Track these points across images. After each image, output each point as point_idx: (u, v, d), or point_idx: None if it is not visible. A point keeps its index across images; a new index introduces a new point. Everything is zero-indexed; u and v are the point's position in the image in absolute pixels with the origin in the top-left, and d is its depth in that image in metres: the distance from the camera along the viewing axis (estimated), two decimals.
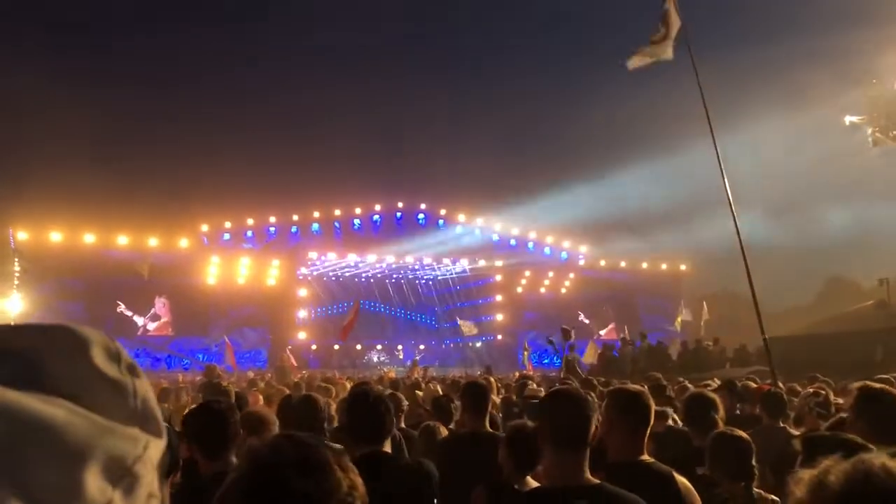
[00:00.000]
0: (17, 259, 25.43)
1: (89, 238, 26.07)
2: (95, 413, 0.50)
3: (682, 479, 3.17)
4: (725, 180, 9.54)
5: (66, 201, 24.92)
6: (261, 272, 29.56)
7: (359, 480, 1.22)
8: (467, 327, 28.04)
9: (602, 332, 32.66)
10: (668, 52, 10.66)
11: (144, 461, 0.53)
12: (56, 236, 25.60)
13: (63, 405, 0.48)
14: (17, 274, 25.41)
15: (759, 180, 26.75)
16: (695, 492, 3.15)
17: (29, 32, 35.12)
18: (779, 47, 27.06)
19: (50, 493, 0.45)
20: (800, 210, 28.57)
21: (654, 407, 3.30)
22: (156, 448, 0.54)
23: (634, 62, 11.05)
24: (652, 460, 3.23)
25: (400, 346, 35.21)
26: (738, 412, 6.60)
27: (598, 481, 2.75)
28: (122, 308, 26.83)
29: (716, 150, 9.66)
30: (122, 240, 26.62)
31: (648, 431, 3.26)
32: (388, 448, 3.73)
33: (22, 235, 25.33)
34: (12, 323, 0.50)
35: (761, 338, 9.34)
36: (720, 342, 20.77)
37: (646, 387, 4.60)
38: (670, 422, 5.44)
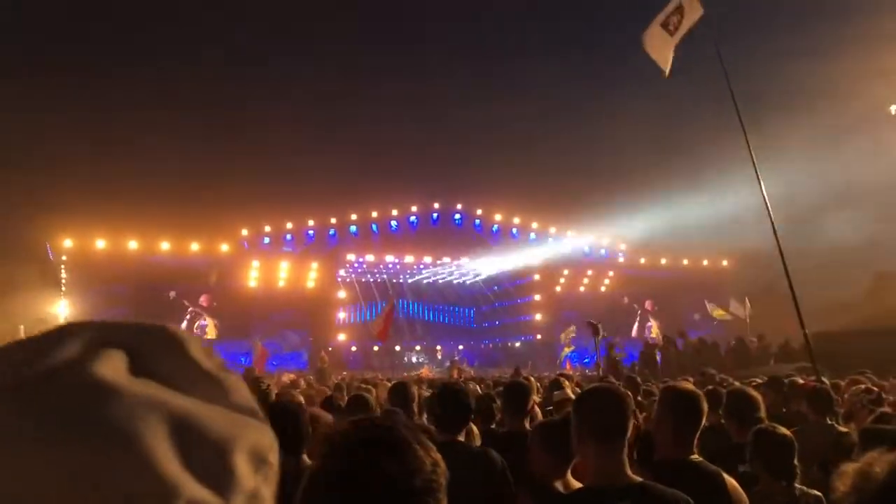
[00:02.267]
0: (63, 266, 26.05)
1: (133, 245, 26.61)
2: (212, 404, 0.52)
3: (730, 479, 3.14)
4: (760, 177, 9.38)
5: (110, 209, 25.44)
6: (300, 275, 29.88)
7: (440, 458, 1.25)
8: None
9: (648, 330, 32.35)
10: (665, 65, 10.46)
11: (275, 450, 0.55)
12: (101, 243, 26.19)
13: (189, 399, 0.50)
14: (63, 281, 26.03)
15: (802, 175, 26.18)
16: (742, 491, 3.12)
17: (71, 43, 35.95)
18: (812, 35, 26.42)
19: (214, 476, 0.48)
20: (846, 203, 27.87)
21: (705, 407, 3.27)
22: (275, 441, 0.57)
23: (664, 61, 10.87)
24: (700, 459, 3.20)
25: (439, 347, 35.26)
26: (783, 409, 6.48)
27: (640, 479, 2.69)
28: (173, 295, 27.41)
29: (748, 145, 9.50)
30: (165, 245, 27.12)
31: (699, 431, 3.23)
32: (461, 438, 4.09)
33: (67, 243, 25.94)
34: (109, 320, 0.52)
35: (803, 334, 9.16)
36: (765, 338, 20.42)
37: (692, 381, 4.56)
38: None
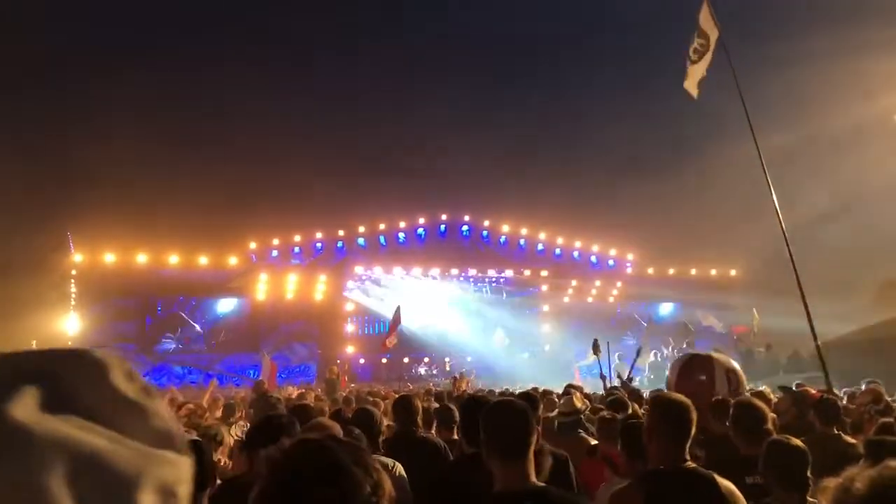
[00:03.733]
0: (72, 281, 26.19)
1: (142, 258, 26.75)
2: (127, 436, 0.53)
3: (724, 482, 3.16)
4: (770, 182, 9.40)
5: (119, 223, 25.59)
6: (308, 288, 29.94)
7: (384, 478, 1.21)
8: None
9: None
10: (707, 60, 10.59)
11: (184, 482, 0.56)
12: (110, 257, 26.34)
13: (103, 434, 0.51)
14: (73, 295, 26.17)
15: (810, 180, 26.14)
16: (739, 494, 3.13)
17: (81, 54, 36.25)
18: (824, 40, 26.43)
19: None
20: (855, 209, 27.79)
21: (695, 416, 3.30)
22: (188, 466, 0.58)
23: (692, 86, 10.98)
24: (694, 465, 3.23)
25: (447, 359, 35.16)
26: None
27: (542, 485, 2.88)
28: (184, 315, 27.59)
29: (758, 152, 9.52)
30: (174, 259, 27.25)
31: (690, 440, 3.26)
32: None
33: (77, 258, 26.08)
34: (34, 347, 0.53)
35: (814, 344, 9.14)
36: (773, 349, 20.36)
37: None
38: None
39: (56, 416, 0.49)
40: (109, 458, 0.49)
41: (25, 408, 0.48)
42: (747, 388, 8.01)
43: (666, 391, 3.87)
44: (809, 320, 8.84)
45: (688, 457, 3.25)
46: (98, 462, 0.48)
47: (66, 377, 0.53)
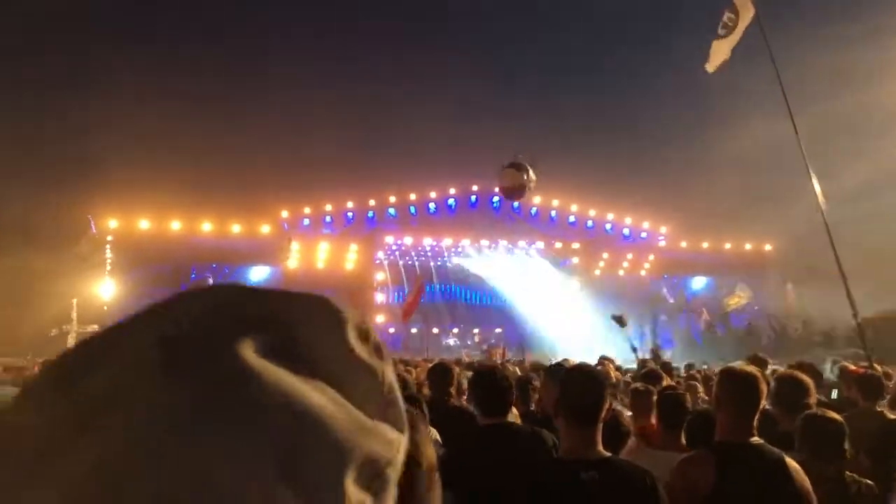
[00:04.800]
0: (108, 246, 26.60)
1: (176, 225, 27.05)
2: (350, 400, 0.48)
3: (792, 462, 3.10)
4: (805, 155, 9.16)
5: (153, 189, 25.86)
6: (339, 257, 30.10)
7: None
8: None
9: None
10: (733, 39, 10.36)
11: (395, 465, 0.50)
12: (144, 224, 26.67)
13: (327, 393, 0.47)
14: (108, 261, 26.58)
15: (851, 153, 25.50)
16: (804, 475, 3.07)
17: (113, 24, 36.46)
18: (863, 15, 25.64)
19: (315, 491, 0.43)
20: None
21: (764, 389, 3.23)
22: (403, 447, 0.52)
23: (714, 64, 10.76)
24: (761, 441, 3.16)
25: (476, 330, 35.26)
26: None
27: (608, 454, 2.95)
28: (210, 280, 27.92)
29: (794, 128, 9.28)
30: (206, 226, 27.52)
31: (758, 413, 3.20)
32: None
33: (112, 224, 26.45)
34: (264, 287, 0.49)
35: (853, 319, 8.96)
36: (809, 325, 20.05)
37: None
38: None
39: (280, 365, 0.46)
40: (328, 420, 0.45)
41: (248, 350, 0.45)
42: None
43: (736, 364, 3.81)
44: (849, 296, 8.66)
45: (755, 432, 3.19)
46: (315, 422, 0.45)
47: (297, 325, 0.49)
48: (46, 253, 22.48)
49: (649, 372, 7.07)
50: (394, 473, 0.50)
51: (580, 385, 2.99)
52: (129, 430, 0.40)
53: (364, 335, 0.51)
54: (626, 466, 2.96)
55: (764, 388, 3.21)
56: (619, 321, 16.75)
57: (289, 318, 0.49)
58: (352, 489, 0.46)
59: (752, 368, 3.46)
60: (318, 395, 0.46)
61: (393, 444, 0.50)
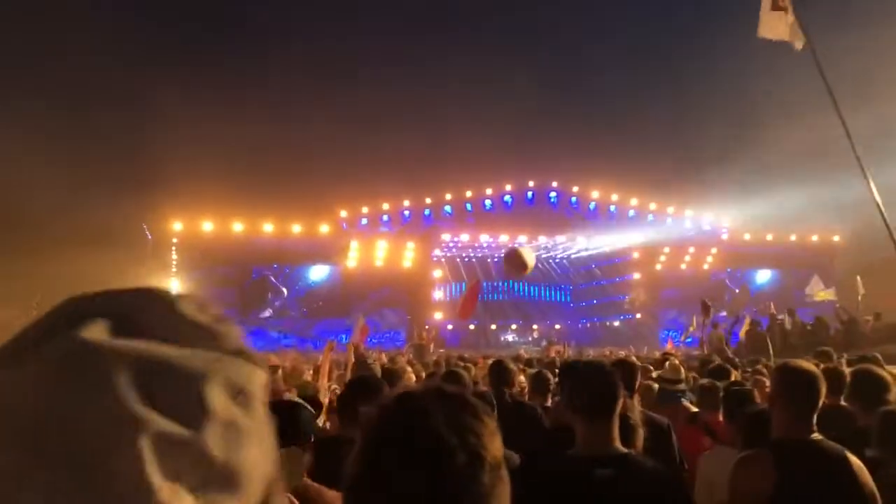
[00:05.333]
0: (173, 248, 27.37)
1: (238, 227, 27.68)
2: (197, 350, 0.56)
3: (855, 459, 2.99)
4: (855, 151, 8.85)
5: (217, 192, 26.43)
6: (397, 254, 30.33)
7: (487, 443, 1.06)
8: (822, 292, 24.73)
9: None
10: (795, 40, 10.04)
11: (254, 381, 0.58)
12: (208, 226, 27.36)
13: (174, 346, 0.54)
14: (174, 262, 27.35)
15: None
16: (867, 472, 2.96)
17: (177, 26, 37.42)
18: None
19: (180, 411, 0.51)
20: None
21: (823, 385, 3.10)
22: (261, 376, 0.59)
23: (763, 30, 10.46)
24: (821, 437, 3.05)
25: (535, 326, 35.13)
26: None
27: (625, 450, 2.87)
28: (271, 278, 28.58)
29: (843, 124, 8.96)
30: (268, 227, 28.09)
31: (817, 410, 3.08)
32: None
33: (177, 226, 27.20)
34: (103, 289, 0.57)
35: None
36: (881, 318, 19.28)
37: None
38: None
39: (126, 339, 0.53)
40: (179, 361, 0.53)
41: (95, 332, 0.53)
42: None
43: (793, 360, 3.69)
44: None
45: (815, 429, 3.08)
46: (167, 366, 0.52)
47: (136, 311, 0.56)
48: (117, 257, 23.22)
49: (716, 368, 6.91)
50: (258, 391, 0.58)
51: (590, 379, 2.94)
52: None
53: (201, 307, 0.59)
54: (645, 464, 2.87)
55: (822, 383, 3.09)
56: (705, 308, 16.56)
57: (126, 308, 0.56)
58: (218, 404, 0.53)
59: (809, 364, 3.35)
60: (164, 349, 0.53)
61: (251, 370, 0.58)
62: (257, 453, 0.55)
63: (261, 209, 27.89)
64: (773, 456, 3.04)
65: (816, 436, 3.06)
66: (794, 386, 3.14)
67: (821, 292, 24.09)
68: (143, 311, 0.56)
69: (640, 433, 3.52)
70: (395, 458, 1.03)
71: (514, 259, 12.21)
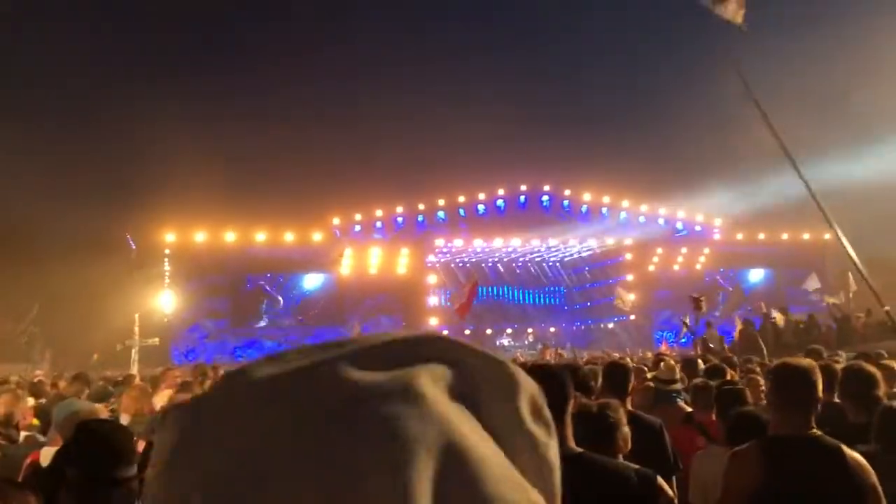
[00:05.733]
0: (166, 259, 27.29)
1: (230, 237, 27.65)
2: (511, 462, 0.48)
3: (852, 453, 3.03)
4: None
5: (209, 202, 26.44)
6: (391, 262, 30.32)
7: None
8: (622, 300, 25.14)
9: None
10: (738, 17, 10.25)
11: None
12: (201, 236, 27.32)
13: (489, 442, 0.47)
14: (167, 273, 27.28)
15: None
16: (867, 464, 3.00)
17: (162, 38, 37.41)
18: None
19: None
20: None
21: (819, 381, 3.15)
22: None
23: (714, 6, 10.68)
24: (819, 433, 3.10)
25: (530, 330, 35.15)
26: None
27: (580, 450, 2.89)
28: (265, 287, 28.49)
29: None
30: (261, 236, 28.06)
31: (814, 406, 3.12)
32: None
33: (169, 237, 27.14)
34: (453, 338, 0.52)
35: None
36: (873, 314, 19.36)
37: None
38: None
39: (456, 403, 0.47)
40: (489, 472, 0.44)
41: (430, 384, 0.46)
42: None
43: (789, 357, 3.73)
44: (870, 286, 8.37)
45: (814, 425, 3.12)
46: (474, 468, 0.44)
47: (476, 374, 0.50)
48: (108, 269, 23.17)
49: (712, 367, 6.97)
50: None
51: (539, 383, 3.05)
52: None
53: (537, 409, 0.52)
54: (602, 463, 2.90)
55: (817, 379, 3.14)
56: (697, 303, 16.51)
57: (468, 366, 0.50)
58: None
59: (805, 361, 3.40)
60: (481, 441, 0.46)
61: None
62: None
63: (253, 218, 27.89)
64: (762, 451, 3.10)
65: (815, 432, 3.10)
66: (788, 382, 3.19)
67: (827, 297, 24.09)
68: (484, 382, 0.50)
69: (624, 432, 3.57)
70: None
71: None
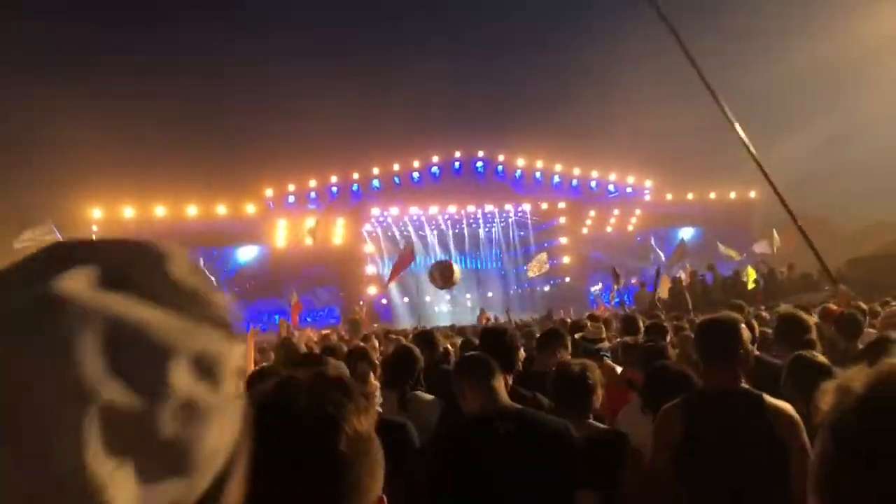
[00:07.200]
0: (93, 236, 26.39)
1: (160, 210, 26.92)
2: (178, 316, 0.54)
3: (774, 402, 3.13)
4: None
5: (136, 176, 25.65)
6: (327, 232, 30.02)
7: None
8: (537, 265, 25.94)
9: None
10: None
11: (228, 360, 0.56)
12: (129, 211, 26.52)
13: (153, 308, 0.52)
14: None
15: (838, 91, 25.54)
16: (792, 411, 3.09)
17: (80, 16, 35.83)
18: None
19: (141, 382, 0.48)
20: (882, 123, 27.12)
21: (743, 335, 3.25)
22: (238, 352, 0.58)
23: None
24: (747, 387, 3.21)
25: (468, 296, 35.39)
26: None
27: (519, 406, 3.19)
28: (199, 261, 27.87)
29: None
30: (192, 210, 27.40)
31: (739, 360, 3.21)
32: None
33: (96, 213, 26.27)
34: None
35: (838, 260, 9.09)
36: (795, 269, 20.17)
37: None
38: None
39: (107, 292, 0.51)
40: (152, 327, 0.51)
41: (76, 282, 0.50)
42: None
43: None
44: (807, 241, 8.74)
45: (742, 379, 3.22)
46: (139, 329, 0.50)
47: (126, 264, 0.54)
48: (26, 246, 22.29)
49: (626, 318, 7.17)
50: (229, 370, 0.56)
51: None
52: None
53: (192, 268, 0.58)
54: (538, 417, 3.17)
55: (741, 333, 3.24)
56: (615, 275, 17.33)
57: (113, 256, 0.55)
58: (181, 381, 0.50)
59: (727, 315, 3.51)
60: (142, 310, 0.51)
61: (226, 346, 0.56)
62: (216, 435, 0.53)
63: (184, 192, 27.18)
64: (685, 406, 3.21)
65: (743, 386, 3.20)
66: (711, 337, 3.30)
67: (729, 250, 25.13)
68: (132, 264, 0.55)
69: (599, 393, 3.76)
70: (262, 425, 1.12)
71: (445, 271, 13.17)
